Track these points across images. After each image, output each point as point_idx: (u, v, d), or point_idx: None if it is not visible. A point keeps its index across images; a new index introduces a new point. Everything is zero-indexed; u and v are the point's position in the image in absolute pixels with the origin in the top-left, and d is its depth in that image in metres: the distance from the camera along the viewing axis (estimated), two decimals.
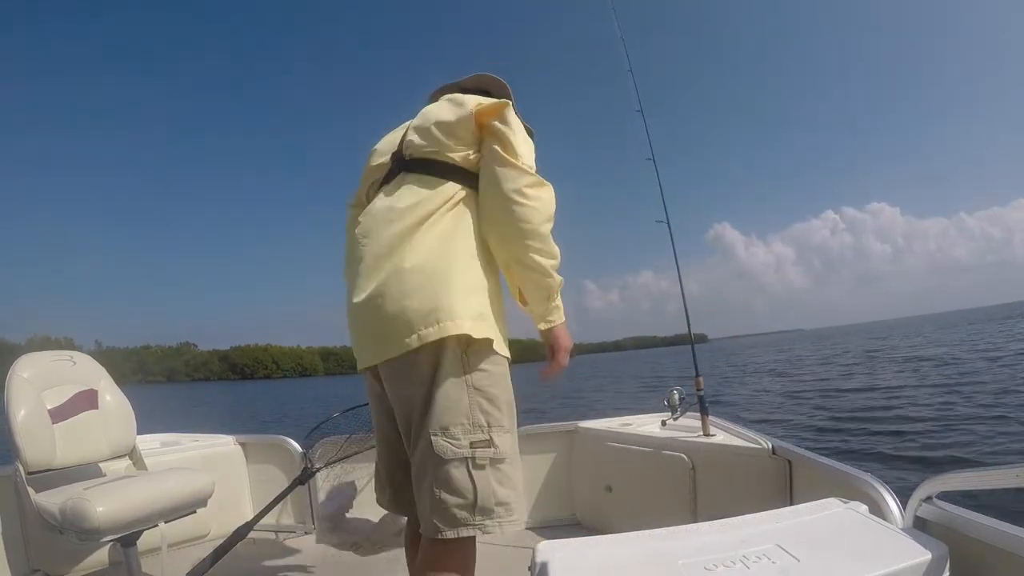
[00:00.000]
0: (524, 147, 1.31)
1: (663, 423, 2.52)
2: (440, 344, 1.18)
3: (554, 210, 1.31)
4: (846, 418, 9.14)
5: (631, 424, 2.56)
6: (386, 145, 1.46)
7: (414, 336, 1.17)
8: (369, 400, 1.45)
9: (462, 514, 1.16)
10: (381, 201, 1.35)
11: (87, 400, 2.25)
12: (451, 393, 1.18)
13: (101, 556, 2.30)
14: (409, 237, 1.25)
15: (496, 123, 1.28)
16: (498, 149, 1.27)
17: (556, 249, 1.32)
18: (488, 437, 1.19)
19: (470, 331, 1.18)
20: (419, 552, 1.25)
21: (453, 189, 1.30)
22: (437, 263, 1.22)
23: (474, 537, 1.19)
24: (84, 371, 2.32)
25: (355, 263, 1.32)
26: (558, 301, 1.36)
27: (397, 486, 1.39)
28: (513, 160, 1.26)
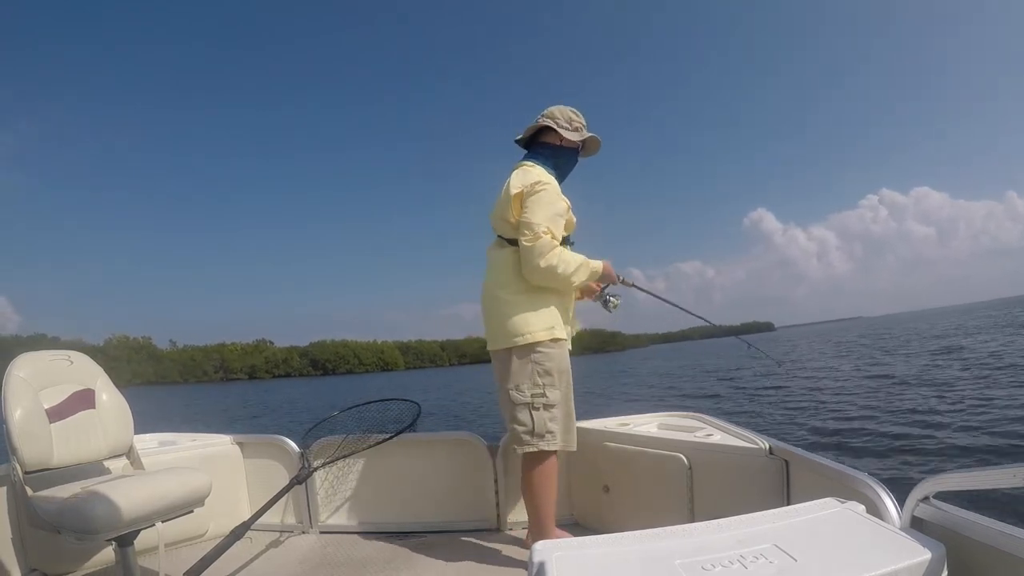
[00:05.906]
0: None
1: (660, 423, 2.51)
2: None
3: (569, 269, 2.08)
4: (856, 415, 9.04)
5: (628, 424, 2.57)
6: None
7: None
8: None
9: (526, 437, 2.08)
10: None
11: (84, 399, 2.24)
12: (520, 368, 2.10)
13: (99, 556, 2.29)
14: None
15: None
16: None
17: (574, 267, 2.08)
18: (543, 391, 2.08)
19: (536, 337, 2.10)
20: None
21: None
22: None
23: (550, 452, 2.08)
24: (81, 370, 2.32)
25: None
26: (592, 269, 2.16)
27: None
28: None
